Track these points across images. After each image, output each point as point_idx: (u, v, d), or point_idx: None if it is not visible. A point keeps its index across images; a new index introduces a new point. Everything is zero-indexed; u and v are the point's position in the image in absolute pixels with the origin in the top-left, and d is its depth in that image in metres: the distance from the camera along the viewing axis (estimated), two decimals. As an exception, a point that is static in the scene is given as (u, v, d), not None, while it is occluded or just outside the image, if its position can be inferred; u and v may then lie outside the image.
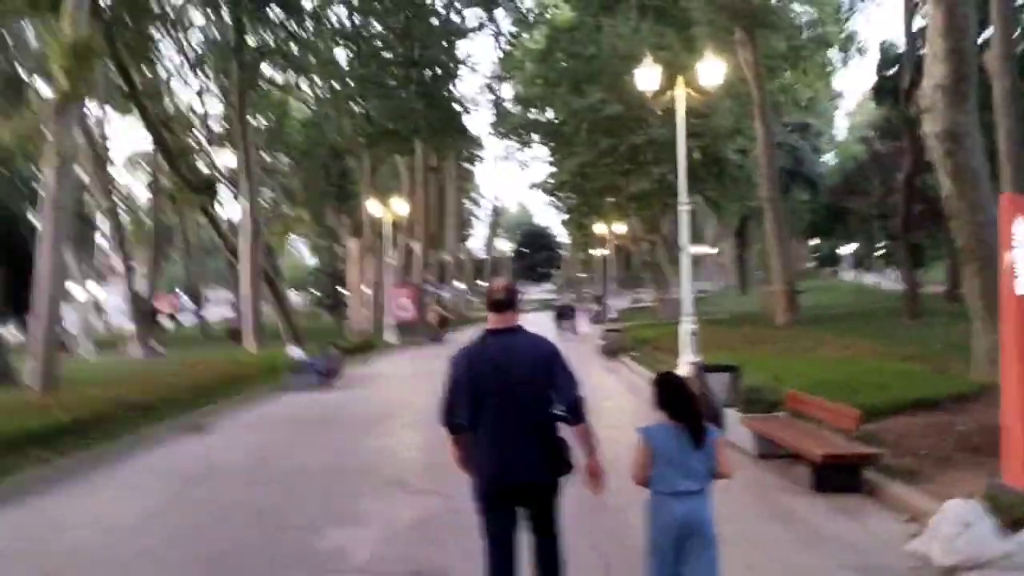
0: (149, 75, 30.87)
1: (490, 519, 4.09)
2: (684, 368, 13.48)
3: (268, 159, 37.23)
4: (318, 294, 51.75)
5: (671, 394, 4.07)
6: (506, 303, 4.04)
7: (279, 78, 33.18)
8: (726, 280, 65.95)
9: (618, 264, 52.43)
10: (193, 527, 7.19)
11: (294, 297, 53.97)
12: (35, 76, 21.29)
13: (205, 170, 34.87)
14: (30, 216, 21.33)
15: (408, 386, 18.82)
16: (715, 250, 64.22)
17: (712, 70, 15.57)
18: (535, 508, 4.13)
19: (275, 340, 27.57)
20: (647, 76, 15.90)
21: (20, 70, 23.12)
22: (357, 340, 29.32)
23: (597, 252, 58.88)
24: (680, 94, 15.78)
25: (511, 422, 3.96)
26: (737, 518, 6.37)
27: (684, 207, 16.07)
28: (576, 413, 4.03)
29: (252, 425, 13.41)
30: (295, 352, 18.43)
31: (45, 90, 18.41)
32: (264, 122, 34.65)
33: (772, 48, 30.50)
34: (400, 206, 34.55)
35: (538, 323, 25.76)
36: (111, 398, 13.32)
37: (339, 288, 45.08)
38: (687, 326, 15.19)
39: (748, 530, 6.32)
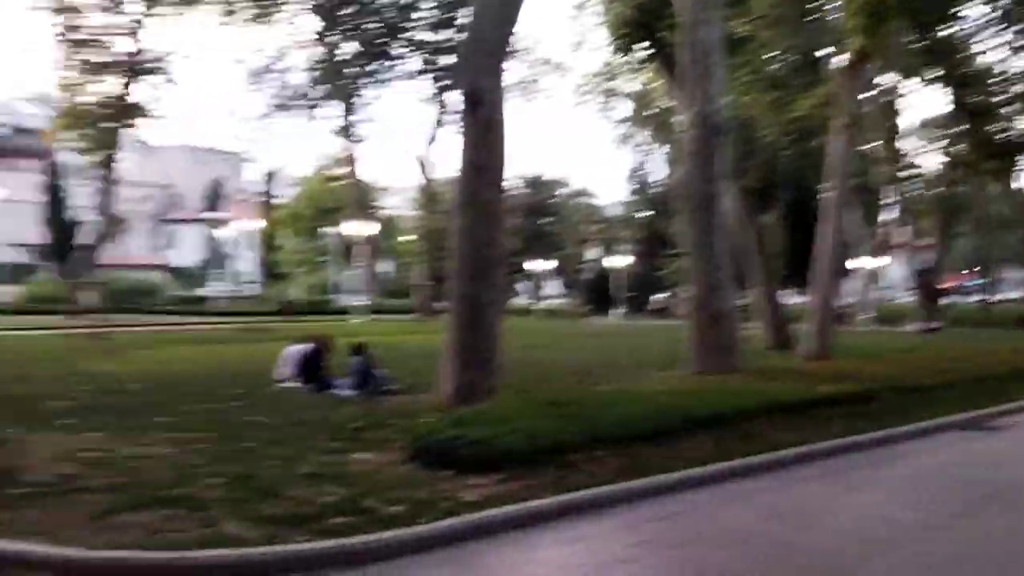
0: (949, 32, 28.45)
1: None
2: None
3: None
4: None
5: None
6: None
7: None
8: None
9: None
10: (977, 561, 5.62)
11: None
12: (829, 51, 21.64)
13: (1004, 135, 30.90)
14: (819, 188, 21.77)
15: None
16: None
17: None
18: None
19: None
20: None
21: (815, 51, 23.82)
22: None
23: None
24: None
25: None
26: None
27: None
28: None
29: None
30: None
31: (837, 63, 18.48)
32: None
33: None
34: None
35: None
36: (879, 375, 12.44)
37: None
38: None
39: None
